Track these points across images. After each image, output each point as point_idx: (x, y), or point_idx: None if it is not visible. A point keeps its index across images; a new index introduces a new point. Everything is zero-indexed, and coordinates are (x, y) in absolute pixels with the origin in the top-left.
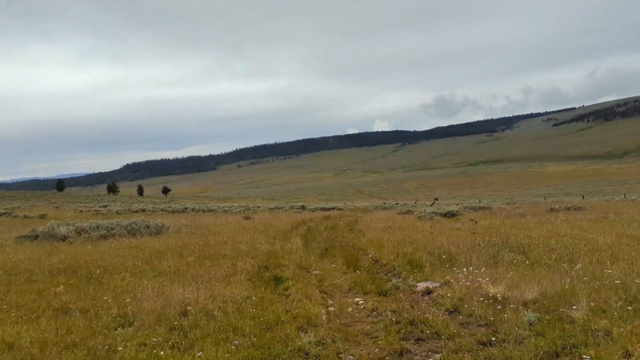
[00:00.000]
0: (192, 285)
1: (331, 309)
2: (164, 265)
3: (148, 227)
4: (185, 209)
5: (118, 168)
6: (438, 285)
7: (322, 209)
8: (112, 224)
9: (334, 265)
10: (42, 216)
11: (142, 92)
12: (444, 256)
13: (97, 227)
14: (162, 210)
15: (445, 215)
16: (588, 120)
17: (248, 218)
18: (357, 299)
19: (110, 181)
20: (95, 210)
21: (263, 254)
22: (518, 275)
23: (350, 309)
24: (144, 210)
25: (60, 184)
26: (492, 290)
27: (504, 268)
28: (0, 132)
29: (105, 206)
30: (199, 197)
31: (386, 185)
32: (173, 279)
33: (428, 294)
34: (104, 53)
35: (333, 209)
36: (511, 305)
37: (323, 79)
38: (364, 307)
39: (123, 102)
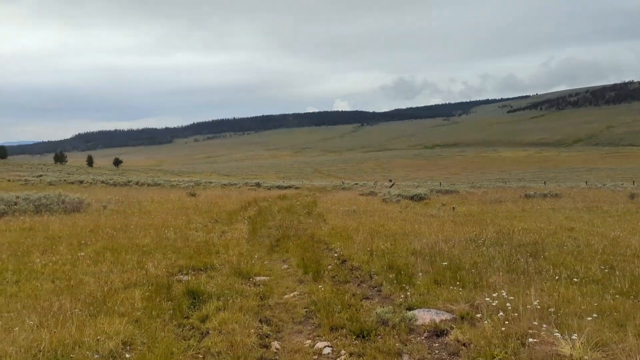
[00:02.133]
0: (45, 315)
1: None
2: (39, 264)
3: (63, 202)
4: (129, 181)
5: (69, 137)
6: (449, 318)
7: (279, 187)
8: (17, 197)
9: (286, 266)
10: None
11: (96, 58)
12: (439, 259)
13: None
14: (103, 182)
15: (412, 198)
16: (541, 109)
17: (193, 195)
18: (319, 345)
19: (61, 150)
20: (26, 180)
21: (192, 247)
22: (572, 304)
23: None
24: (81, 182)
25: (2, 151)
26: (565, 349)
27: (539, 287)
28: None
29: (40, 176)
30: (152, 170)
31: (344, 165)
32: (29, 296)
33: (438, 335)
34: (56, 14)
35: (290, 187)
36: None
37: (284, 54)
38: None
39: (75, 68)
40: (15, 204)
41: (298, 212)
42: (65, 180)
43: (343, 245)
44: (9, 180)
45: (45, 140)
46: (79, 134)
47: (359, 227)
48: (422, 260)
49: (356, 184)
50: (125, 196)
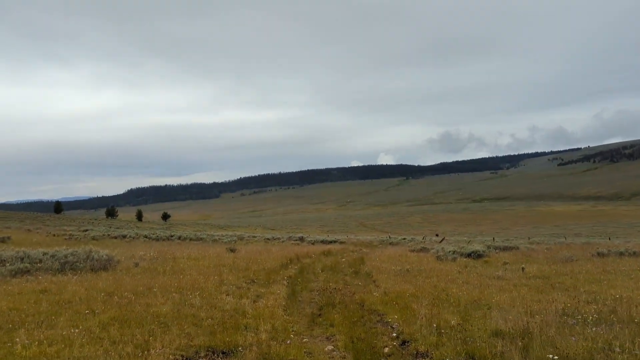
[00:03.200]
0: None
1: None
2: (19, 345)
3: (91, 259)
4: (172, 236)
5: (122, 192)
6: None
7: (323, 241)
8: (45, 254)
9: (330, 348)
10: (3, 239)
11: (151, 117)
12: (535, 346)
13: (22, 258)
14: (145, 237)
15: (469, 255)
16: (594, 161)
17: (232, 250)
18: None
19: (112, 205)
20: (70, 235)
21: (217, 318)
22: None
23: None
24: (124, 237)
25: (57, 206)
26: None
27: None
28: (9, 153)
29: (86, 230)
30: (199, 225)
31: (390, 219)
32: None
33: None
34: (117, 78)
35: (334, 242)
36: None
37: (329, 110)
38: None
39: (131, 126)
40: (40, 261)
41: (344, 271)
42: (108, 235)
43: (401, 317)
44: (55, 235)
45: (100, 195)
46: (131, 189)
47: (416, 292)
48: (512, 347)
49: (404, 238)
50: (160, 252)
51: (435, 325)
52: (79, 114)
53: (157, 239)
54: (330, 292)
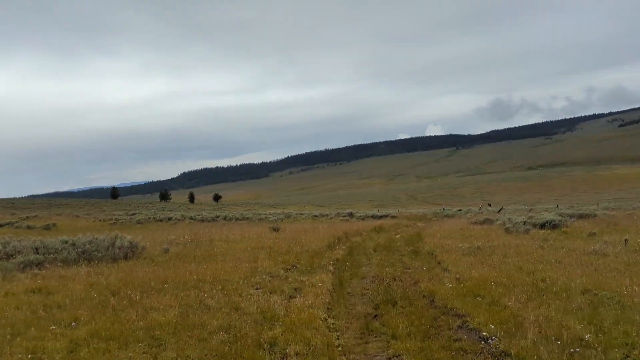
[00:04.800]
0: None
1: None
2: None
3: (113, 247)
4: (217, 217)
5: (175, 176)
6: None
7: (373, 216)
8: (66, 242)
9: None
10: (47, 227)
11: (198, 101)
12: None
13: (37, 248)
14: (191, 218)
15: (543, 226)
16: None
17: (276, 230)
18: None
19: (166, 189)
20: (116, 220)
21: (234, 328)
22: None
23: None
24: (169, 219)
25: (114, 192)
26: None
27: None
28: (68, 142)
29: (133, 214)
30: (250, 204)
31: (440, 191)
32: None
33: None
34: (164, 64)
35: (386, 216)
36: None
37: (374, 84)
38: None
39: (180, 111)
40: (56, 251)
41: (400, 251)
42: (154, 218)
43: (492, 321)
44: (102, 220)
45: (155, 180)
46: (183, 172)
47: (501, 278)
48: None
49: (460, 210)
50: (197, 235)
51: (554, 338)
52: (129, 102)
53: (202, 220)
54: (388, 282)
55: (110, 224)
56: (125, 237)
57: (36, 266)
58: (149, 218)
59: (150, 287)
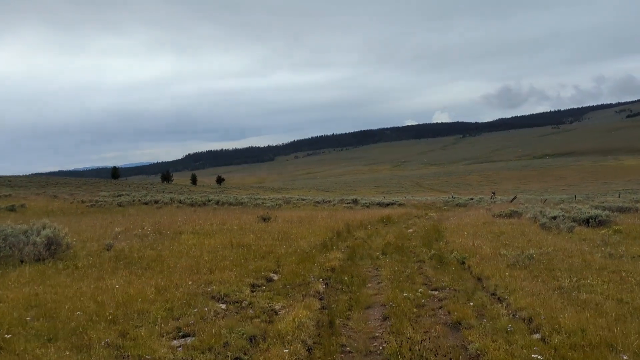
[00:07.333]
0: None
1: None
2: None
3: (34, 244)
4: (209, 201)
5: (180, 158)
6: None
7: (379, 204)
8: None
9: None
10: (13, 208)
11: (205, 83)
12: None
13: None
14: (180, 202)
15: (587, 222)
16: None
17: (265, 219)
18: None
19: (170, 170)
20: (95, 202)
21: None
22: None
23: None
24: (156, 202)
25: (114, 172)
26: None
27: None
28: (72, 121)
29: (119, 196)
30: (253, 188)
31: (447, 178)
32: None
33: None
34: (169, 43)
35: (393, 204)
36: None
37: (382, 69)
38: None
39: (187, 93)
40: None
41: (417, 254)
42: (139, 201)
43: None
44: (81, 202)
45: (160, 161)
46: (188, 154)
47: (614, 331)
48: None
49: (471, 198)
50: (161, 225)
51: None
52: (135, 82)
53: (192, 204)
54: (409, 319)
55: (87, 206)
56: (45, 229)
57: None
58: (134, 200)
59: (14, 324)
